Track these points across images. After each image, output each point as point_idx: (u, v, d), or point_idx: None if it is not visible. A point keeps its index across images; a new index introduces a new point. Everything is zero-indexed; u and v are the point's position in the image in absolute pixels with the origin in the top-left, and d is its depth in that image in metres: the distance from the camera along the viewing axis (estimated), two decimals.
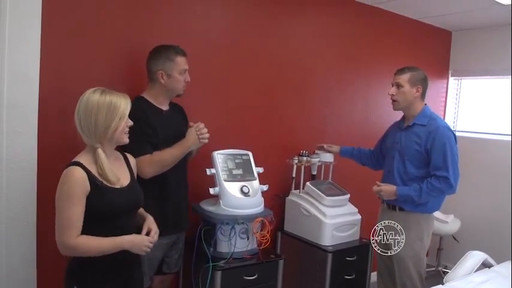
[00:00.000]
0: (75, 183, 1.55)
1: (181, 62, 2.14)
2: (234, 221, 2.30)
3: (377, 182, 2.56)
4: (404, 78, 2.47)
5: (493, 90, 3.96)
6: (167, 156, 2.05)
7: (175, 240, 2.27)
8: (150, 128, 2.05)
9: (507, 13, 3.26)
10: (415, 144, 2.45)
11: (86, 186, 1.56)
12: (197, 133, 2.11)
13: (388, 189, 2.48)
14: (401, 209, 2.50)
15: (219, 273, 2.25)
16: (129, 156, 1.85)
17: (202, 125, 2.14)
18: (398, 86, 2.48)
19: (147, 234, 1.73)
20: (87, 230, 1.58)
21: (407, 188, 2.44)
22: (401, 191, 2.45)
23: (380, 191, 2.50)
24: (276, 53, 2.96)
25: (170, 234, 2.18)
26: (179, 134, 2.14)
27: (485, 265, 2.51)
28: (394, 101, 2.53)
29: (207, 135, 2.14)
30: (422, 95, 2.52)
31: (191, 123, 2.19)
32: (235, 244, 2.34)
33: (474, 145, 3.89)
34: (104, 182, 1.61)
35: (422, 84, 2.50)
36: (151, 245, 1.69)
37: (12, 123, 1.96)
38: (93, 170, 1.60)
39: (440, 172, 2.36)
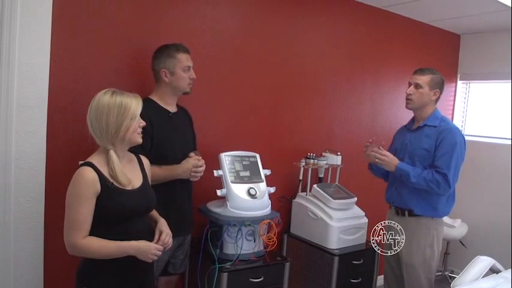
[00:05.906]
0: (85, 183, 1.55)
1: (183, 58, 2.13)
2: (240, 222, 2.30)
3: (380, 147, 2.45)
4: (424, 79, 2.41)
5: (502, 94, 3.91)
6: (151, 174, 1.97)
7: (181, 242, 2.27)
8: (149, 139, 2.02)
9: None
10: (426, 145, 2.41)
11: (96, 187, 1.56)
12: (193, 167, 2.10)
13: (392, 158, 2.41)
14: (411, 214, 2.46)
15: (225, 275, 2.25)
16: (143, 158, 1.84)
17: (202, 162, 2.14)
18: (417, 86, 2.42)
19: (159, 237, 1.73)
20: (97, 231, 1.58)
21: (410, 167, 2.39)
22: (401, 165, 2.40)
23: (383, 156, 2.40)
24: (284, 56, 2.96)
25: (176, 237, 2.17)
26: (183, 138, 2.13)
27: (493, 271, 2.48)
28: (409, 99, 2.46)
29: (201, 174, 2.14)
30: (437, 99, 2.48)
31: (192, 154, 2.17)
32: (242, 246, 2.34)
33: (482, 149, 3.86)
34: (115, 183, 1.61)
35: (440, 88, 2.46)
36: (158, 252, 1.66)
37: (21, 123, 1.98)
38: (105, 172, 1.60)
39: (441, 169, 2.32)
